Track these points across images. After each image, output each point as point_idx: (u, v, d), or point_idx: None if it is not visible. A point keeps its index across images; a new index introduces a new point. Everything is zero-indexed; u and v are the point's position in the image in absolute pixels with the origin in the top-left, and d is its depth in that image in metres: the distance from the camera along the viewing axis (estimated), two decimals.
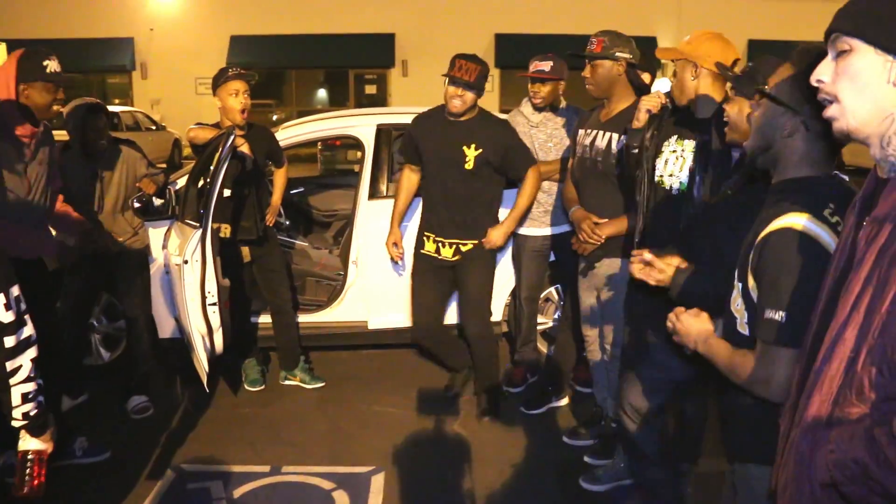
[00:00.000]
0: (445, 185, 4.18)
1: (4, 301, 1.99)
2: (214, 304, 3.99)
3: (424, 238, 4.30)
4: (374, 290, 4.96)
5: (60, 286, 4.32)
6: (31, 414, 2.12)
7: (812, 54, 1.73)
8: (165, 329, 4.86)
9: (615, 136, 3.60)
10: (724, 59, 3.12)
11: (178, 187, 4.90)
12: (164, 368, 4.96)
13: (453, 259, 4.24)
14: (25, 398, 2.09)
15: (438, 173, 4.20)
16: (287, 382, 4.91)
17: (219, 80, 4.41)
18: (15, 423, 2.13)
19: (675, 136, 3.09)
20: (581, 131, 3.83)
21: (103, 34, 22.75)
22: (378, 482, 3.75)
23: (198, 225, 3.97)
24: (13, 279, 2.03)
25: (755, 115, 1.88)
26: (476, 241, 4.20)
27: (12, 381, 2.05)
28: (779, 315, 1.69)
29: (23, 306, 2.05)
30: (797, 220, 1.70)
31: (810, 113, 1.74)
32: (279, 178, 4.85)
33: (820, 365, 1.35)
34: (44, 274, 3.68)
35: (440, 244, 4.25)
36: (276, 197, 4.83)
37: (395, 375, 5.09)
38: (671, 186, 3.06)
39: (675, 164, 3.05)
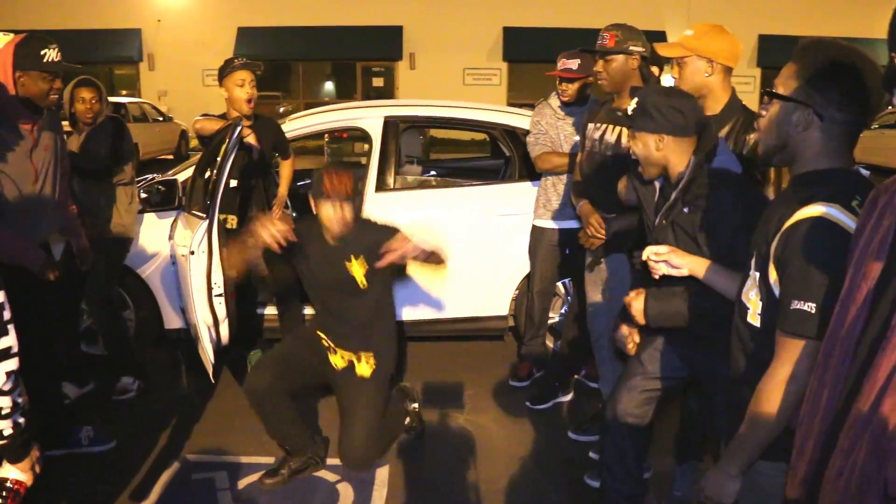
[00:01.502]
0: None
1: None
2: (221, 295, 3.99)
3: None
4: None
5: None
6: (6, 434, 1.89)
7: (819, 50, 1.74)
8: (172, 320, 4.86)
9: (625, 130, 3.58)
10: (735, 54, 3.10)
11: (183, 179, 4.90)
12: (171, 359, 4.96)
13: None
14: None
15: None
16: None
17: (225, 71, 4.40)
18: None
19: None
20: (590, 125, 3.81)
21: (111, 25, 22.79)
22: (382, 475, 3.75)
23: (204, 216, 3.97)
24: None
25: (765, 117, 1.88)
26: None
27: None
28: (808, 306, 1.67)
29: (6, 315, 1.87)
30: (827, 210, 1.68)
31: (821, 102, 1.76)
32: (286, 169, 4.84)
33: (880, 359, 1.30)
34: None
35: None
36: (283, 188, 4.81)
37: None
38: None
39: None
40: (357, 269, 3.52)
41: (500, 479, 3.72)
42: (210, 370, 4.09)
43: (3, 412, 1.88)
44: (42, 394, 3.74)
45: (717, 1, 21.00)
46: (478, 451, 3.99)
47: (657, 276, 2.52)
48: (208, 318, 3.99)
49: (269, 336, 5.00)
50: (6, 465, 1.97)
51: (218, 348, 4.12)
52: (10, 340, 1.87)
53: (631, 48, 3.60)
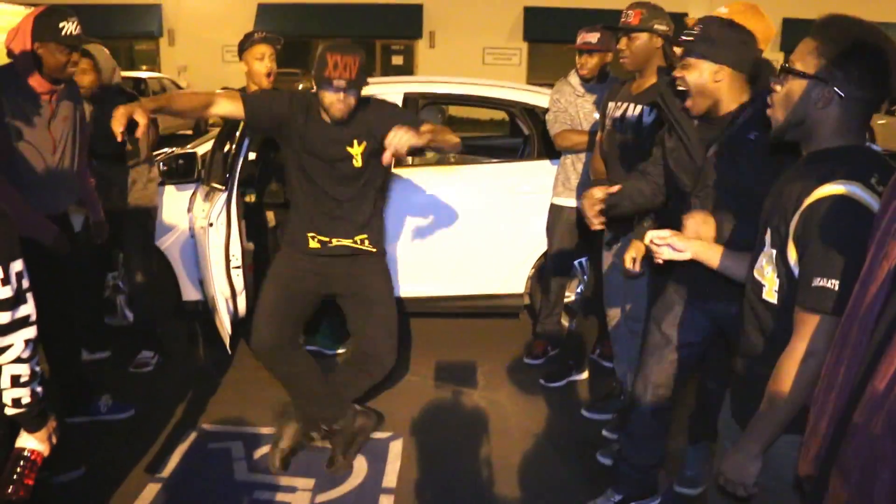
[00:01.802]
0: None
1: (2, 276, 1.84)
2: (238, 266, 4.02)
3: None
4: (396, 258, 4.96)
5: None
6: (23, 402, 1.94)
7: (841, 27, 1.73)
8: (190, 292, 4.90)
9: (646, 108, 3.56)
10: (768, 37, 3.06)
11: (203, 152, 4.92)
12: (187, 330, 5.00)
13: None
14: (16, 381, 1.92)
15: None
16: (308, 348, 4.93)
17: (245, 45, 4.40)
18: (8, 411, 1.95)
19: None
20: (611, 104, 3.78)
21: (131, 0, 22.83)
22: (396, 448, 3.78)
23: (223, 188, 3.99)
24: (17, 254, 1.88)
25: (782, 92, 1.85)
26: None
27: (1, 359, 1.89)
28: (831, 283, 1.67)
29: (24, 283, 1.89)
30: (849, 188, 1.68)
31: (842, 80, 1.75)
32: None
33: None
34: (65, 229, 3.70)
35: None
36: None
37: (415, 344, 5.10)
38: None
39: None
40: (356, 149, 3.35)
41: (513, 456, 3.74)
42: (227, 341, 4.13)
43: (22, 380, 1.92)
44: (61, 363, 3.81)
45: None
46: (491, 428, 4.01)
47: (660, 261, 2.45)
48: (226, 289, 4.03)
49: None
50: (24, 434, 2.00)
51: (235, 320, 4.16)
52: (29, 309, 1.91)
53: (655, 27, 3.55)
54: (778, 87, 1.87)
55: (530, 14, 22.96)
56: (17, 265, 1.87)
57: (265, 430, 3.90)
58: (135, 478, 3.47)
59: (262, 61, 4.34)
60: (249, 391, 4.34)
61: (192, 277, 4.93)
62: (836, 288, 1.66)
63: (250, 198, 4.43)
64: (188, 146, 5.31)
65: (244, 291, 4.09)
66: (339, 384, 3.67)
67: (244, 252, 4.07)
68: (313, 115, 3.30)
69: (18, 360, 1.90)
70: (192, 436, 3.85)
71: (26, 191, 3.38)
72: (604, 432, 3.93)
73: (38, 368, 1.96)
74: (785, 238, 1.79)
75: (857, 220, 1.64)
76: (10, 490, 1.96)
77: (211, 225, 3.96)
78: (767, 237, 1.87)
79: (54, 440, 2.06)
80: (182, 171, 4.87)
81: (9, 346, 1.88)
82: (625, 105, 3.67)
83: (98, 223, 4.06)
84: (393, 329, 3.58)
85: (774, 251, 1.83)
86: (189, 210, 4.74)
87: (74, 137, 3.63)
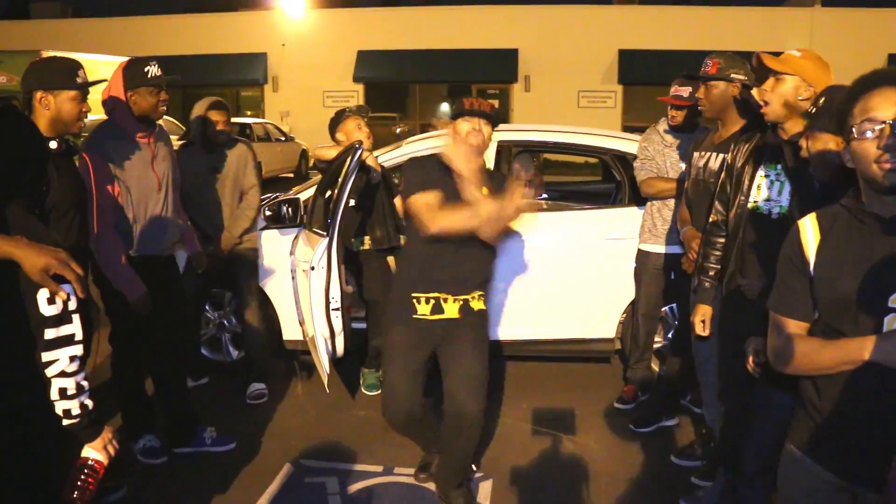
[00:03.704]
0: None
1: (48, 295, 2.03)
2: (337, 308, 4.20)
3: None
4: (499, 302, 5.06)
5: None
6: (73, 413, 2.12)
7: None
8: (291, 331, 5.11)
9: (727, 157, 3.60)
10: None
11: (305, 198, 5.15)
12: (287, 368, 5.21)
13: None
14: (63, 394, 2.09)
15: None
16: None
17: (337, 123, 4.79)
18: (63, 422, 2.13)
19: (767, 160, 3.07)
20: (696, 153, 3.85)
21: (239, 50, 23.88)
22: (486, 488, 3.86)
23: (325, 234, 4.19)
24: (63, 279, 2.06)
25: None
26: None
27: (48, 372, 2.06)
28: None
29: (71, 305, 2.07)
30: None
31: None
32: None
33: None
34: (172, 269, 4.07)
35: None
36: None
37: (508, 386, 5.18)
38: (770, 211, 3.04)
39: (770, 188, 3.03)
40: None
41: (600, 501, 3.76)
42: (325, 380, 4.29)
43: (69, 392, 2.11)
44: (167, 394, 4.10)
45: (841, 21, 20.37)
46: (579, 472, 4.04)
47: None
48: (325, 330, 4.20)
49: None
50: (86, 446, 2.20)
51: (333, 359, 4.33)
52: (74, 328, 2.10)
53: (732, 76, 3.64)
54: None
55: (625, 57, 22.98)
56: (67, 288, 2.06)
57: (359, 468, 4.04)
58: None
59: (360, 130, 4.71)
60: (344, 429, 4.49)
61: (293, 317, 5.14)
62: None
63: (367, 245, 4.72)
64: (291, 191, 5.56)
65: (342, 332, 4.27)
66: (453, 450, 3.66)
67: (343, 295, 4.26)
68: (434, 178, 3.34)
69: (63, 374, 2.08)
70: (289, 469, 4.01)
71: (139, 234, 3.69)
72: (693, 479, 3.91)
73: (84, 383, 2.15)
74: None
75: None
76: (74, 495, 2.15)
77: (313, 269, 4.16)
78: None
79: (111, 450, 2.24)
80: (286, 217, 5.11)
81: (55, 361, 2.06)
82: (708, 154, 3.74)
83: (197, 255, 4.36)
84: (483, 378, 3.54)
85: None
86: (291, 253, 4.97)
87: (174, 175, 3.95)
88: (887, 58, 21.11)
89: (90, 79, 3.38)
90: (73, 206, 3.24)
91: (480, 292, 3.57)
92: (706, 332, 3.39)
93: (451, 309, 3.48)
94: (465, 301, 3.50)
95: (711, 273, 3.36)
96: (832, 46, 20.63)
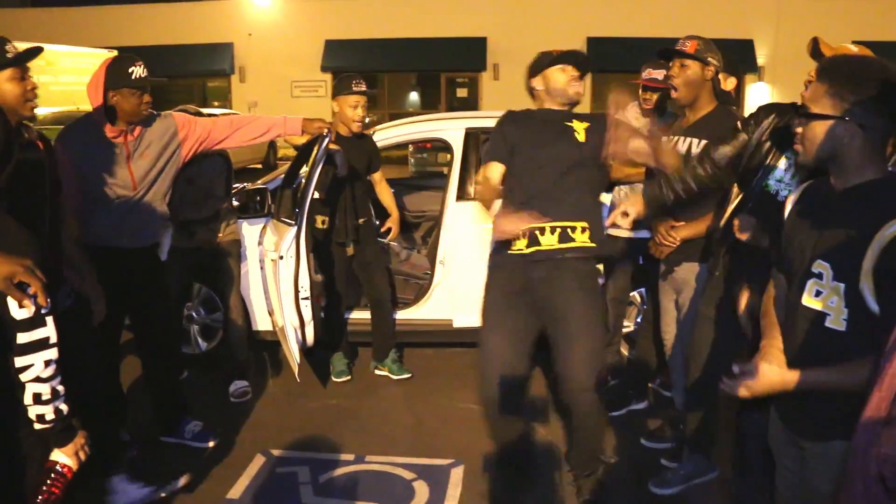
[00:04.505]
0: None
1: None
2: (307, 298, 4.18)
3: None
4: (460, 289, 5.07)
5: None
6: (47, 418, 2.09)
7: (835, 65, 1.97)
8: (261, 321, 5.09)
9: (695, 140, 3.61)
10: None
11: (273, 187, 5.12)
12: (257, 359, 5.19)
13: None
14: (37, 398, 2.05)
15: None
16: (378, 372, 5.12)
17: (342, 90, 4.71)
18: (35, 426, 2.10)
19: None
20: (664, 139, 3.85)
21: (205, 40, 23.61)
22: (458, 475, 3.87)
23: (293, 223, 4.17)
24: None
25: (808, 134, 1.99)
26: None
27: (23, 377, 2.03)
28: None
29: (43, 308, 2.03)
30: None
31: (860, 112, 1.90)
32: (384, 189, 5.13)
33: (883, 362, 1.40)
34: (155, 262, 3.97)
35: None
36: (393, 209, 5.16)
37: (477, 373, 5.18)
38: (777, 192, 3.04)
39: (787, 170, 3.04)
40: (578, 125, 3.34)
41: (571, 483, 3.78)
42: (296, 370, 4.28)
43: (44, 398, 2.07)
44: (160, 381, 4.11)
45: (807, 8, 20.53)
46: (551, 456, 4.06)
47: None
48: (295, 320, 4.19)
49: (352, 339, 5.19)
50: (56, 450, 2.16)
51: (303, 349, 4.32)
52: (48, 332, 2.06)
53: (709, 59, 3.62)
54: (800, 130, 2.01)
55: (594, 44, 22.99)
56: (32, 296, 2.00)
57: (330, 456, 4.04)
58: (205, 500, 3.64)
59: (356, 109, 4.68)
60: (316, 419, 4.48)
61: (263, 308, 5.11)
62: None
63: (323, 225, 4.66)
64: (259, 182, 5.52)
65: (312, 322, 4.26)
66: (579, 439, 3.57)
67: (312, 284, 4.24)
68: (524, 125, 3.42)
69: (38, 379, 2.04)
70: (261, 460, 4.00)
71: (113, 227, 3.63)
72: (662, 461, 3.96)
73: (60, 388, 2.11)
74: (856, 272, 1.87)
75: None
76: (39, 499, 2.12)
77: (281, 258, 4.14)
78: (825, 270, 1.95)
79: (82, 455, 2.22)
80: (254, 206, 5.08)
81: (29, 366, 2.02)
82: (676, 138, 3.74)
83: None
84: (596, 346, 3.33)
85: (843, 285, 1.91)
86: (260, 243, 4.94)
87: (164, 172, 3.81)
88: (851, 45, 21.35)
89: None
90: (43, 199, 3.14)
91: (583, 223, 3.28)
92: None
93: (550, 239, 3.24)
94: (565, 232, 3.24)
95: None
96: (798, 34, 20.79)
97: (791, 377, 1.98)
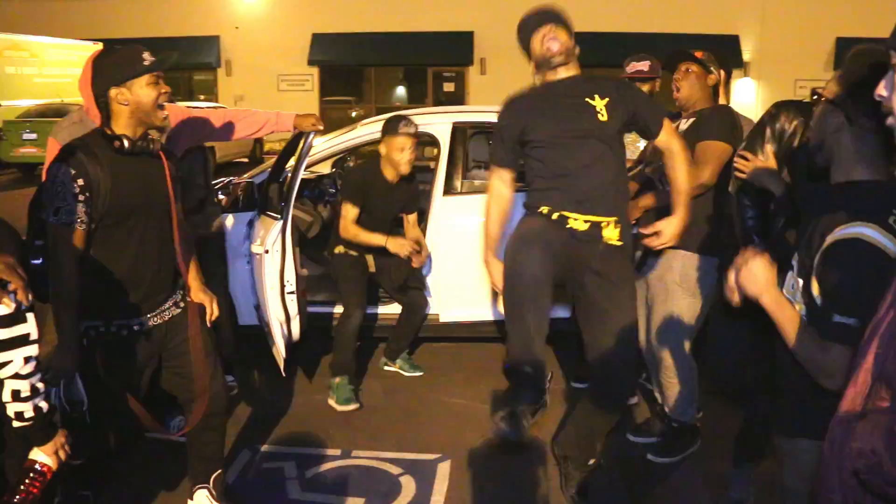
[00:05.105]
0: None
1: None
2: (292, 292, 4.17)
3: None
4: (447, 284, 5.07)
5: None
6: (26, 416, 2.06)
7: (866, 56, 1.82)
8: (245, 316, 5.06)
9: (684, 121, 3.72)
10: None
11: (259, 181, 5.10)
12: (243, 354, 5.16)
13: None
14: (16, 396, 2.03)
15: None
16: (387, 369, 5.12)
17: (388, 130, 4.49)
18: (14, 424, 2.07)
19: None
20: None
21: (191, 32, 23.46)
22: (444, 469, 3.87)
23: (279, 217, 4.15)
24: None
25: (814, 116, 1.98)
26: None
27: (1, 373, 2.00)
28: (851, 320, 1.74)
29: (24, 304, 2.00)
30: (864, 231, 1.75)
31: (853, 106, 1.85)
32: (412, 229, 4.90)
33: (858, 358, 1.41)
34: None
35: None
36: (416, 233, 4.90)
37: (464, 368, 5.20)
38: None
39: None
40: (598, 100, 3.18)
41: (556, 477, 3.79)
42: (281, 364, 4.27)
43: (23, 395, 2.05)
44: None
45: (792, 5, 20.61)
46: (538, 451, 4.06)
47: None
48: (281, 314, 4.18)
49: (377, 335, 5.17)
50: (35, 449, 2.15)
51: (289, 343, 4.30)
52: (29, 328, 2.03)
53: (712, 69, 3.74)
54: (815, 109, 2.00)
55: (577, 39, 22.99)
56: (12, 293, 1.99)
57: (317, 451, 4.03)
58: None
59: (404, 153, 4.46)
60: (302, 414, 4.48)
61: (249, 303, 5.09)
62: (855, 324, 1.72)
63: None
64: (245, 175, 5.50)
65: (298, 316, 4.24)
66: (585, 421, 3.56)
67: (298, 278, 4.22)
68: (536, 102, 3.43)
69: (17, 375, 2.02)
70: (247, 455, 3.99)
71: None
72: (648, 456, 3.97)
73: (40, 385, 2.09)
74: (809, 271, 1.87)
75: (869, 263, 1.73)
76: (16, 499, 2.11)
77: (267, 252, 4.13)
78: (795, 262, 1.96)
79: (62, 455, 2.20)
80: (240, 200, 5.05)
81: (8, 362, 1.99)
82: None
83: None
84: (632, 337, 3.30)
85: (801, 280, 1.91)
86: (245, 237, 4.92)
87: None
88: (835, 41, 21.47)
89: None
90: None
91: (612, 218, 3.13)
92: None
93: (576, 224, 3.10)
94: (595, 224, 3.10)
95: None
96: (783, 30, 20.96)
97: (774, 288, 1.88)
